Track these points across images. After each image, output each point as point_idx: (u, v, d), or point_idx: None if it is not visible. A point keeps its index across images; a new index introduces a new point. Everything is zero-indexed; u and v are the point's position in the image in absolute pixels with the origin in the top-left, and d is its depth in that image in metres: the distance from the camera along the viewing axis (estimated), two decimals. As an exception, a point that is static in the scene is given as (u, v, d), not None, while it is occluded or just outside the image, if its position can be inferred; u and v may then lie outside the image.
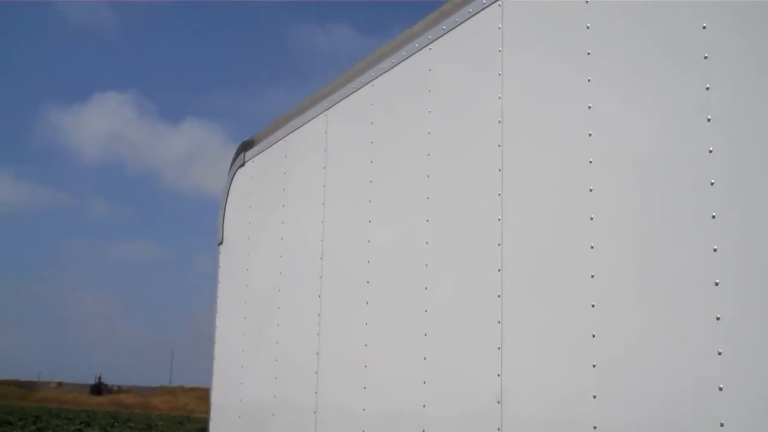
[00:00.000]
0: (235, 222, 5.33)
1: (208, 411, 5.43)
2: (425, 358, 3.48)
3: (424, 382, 3.46)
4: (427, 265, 3.55)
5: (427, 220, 3.58)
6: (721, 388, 2.36)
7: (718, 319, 2.40)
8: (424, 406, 3.45)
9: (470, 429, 3.23)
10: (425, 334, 3.50)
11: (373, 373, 3.80)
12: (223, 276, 5.36)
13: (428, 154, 3.62)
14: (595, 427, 2.69)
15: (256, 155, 5.11)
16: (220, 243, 5.43)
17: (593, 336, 2.75)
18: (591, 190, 2.83)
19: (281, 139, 4.81)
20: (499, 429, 3.07)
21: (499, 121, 3.27)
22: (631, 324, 2.65)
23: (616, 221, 2.74)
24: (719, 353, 2.38)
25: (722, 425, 2.34)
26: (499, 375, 3.10)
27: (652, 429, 2.53)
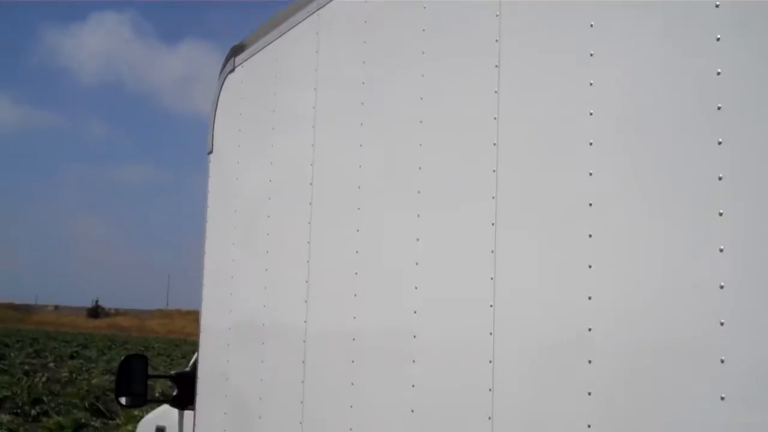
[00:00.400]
0: (225, 130, 5.19)
1: (198, 324, 5.38)
2: (417, 264, 3.40)
3: (416, 288, 3.38)
4: (420, 168, 3.44)
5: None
6: (722, 286, 2.27)
7: (720, 214, 2.30)
8: (415, 312, 3.37)
9: (462, 333, 3.15)
10: (417, 239, 3.41)
11: (364, 280, 3.72)
12: (213, 185, 5.24)
13: (423, 52, 3.48)
14: (590, 329, 2.61)
15: (247, 60, 4.94)
16: (210, 152, 5.30)
17: (590, 236, 2.65)
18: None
19: (272, 41, 4.64)
20: (491, 333, 2.99)
21: (497, 14, 3.12)
22: (628, 224, 2.55)
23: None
24: (721, 249, 2.28)
25: (722, 324, 2.26)
26: (492, 278, 3.01)
27: (648, 326, 2.45)
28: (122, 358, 6.13)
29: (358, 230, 3.79)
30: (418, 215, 3.43)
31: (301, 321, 4.13)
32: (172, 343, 48.66)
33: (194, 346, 6.26)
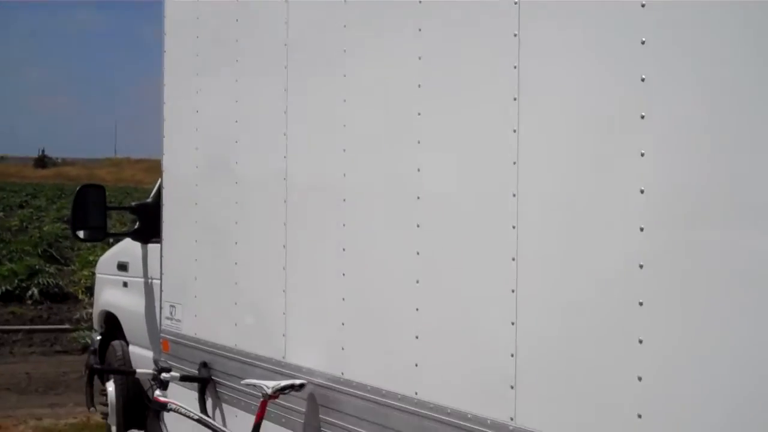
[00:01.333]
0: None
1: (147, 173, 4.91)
2: (420, 114, 2.95)
3: (419, 142, 2.95)
4: (420, 2, 2.96)
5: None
6: None
7: None
8: (419, 170, 2.95)
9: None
10: (419, 86, 2.95)
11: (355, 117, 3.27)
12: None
13: None
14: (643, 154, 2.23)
15: None
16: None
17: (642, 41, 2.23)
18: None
19: None
20: (515, 163, 2.57)
21: None
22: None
23: None
24: None
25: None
26: (515, 99, 2.57)
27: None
28: (78, 188, 5.67)
29: (345, 76, 3.30)
30: (420, 57, 2.95)
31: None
32: (123, 192, 48.09)
33: (146, 195, 5.81)
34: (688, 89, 2.13)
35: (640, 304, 2.20)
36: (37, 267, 17.48)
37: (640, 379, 2.20)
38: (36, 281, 16.39)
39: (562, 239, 2.43)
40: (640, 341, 2.20)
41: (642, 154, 2.20)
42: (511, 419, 2.57)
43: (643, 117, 2.20)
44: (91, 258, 17.43)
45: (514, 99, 2.58)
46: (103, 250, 8.49)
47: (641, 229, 2.20)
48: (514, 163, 2.57)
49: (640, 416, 2.20)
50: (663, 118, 2.17)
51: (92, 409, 6.22)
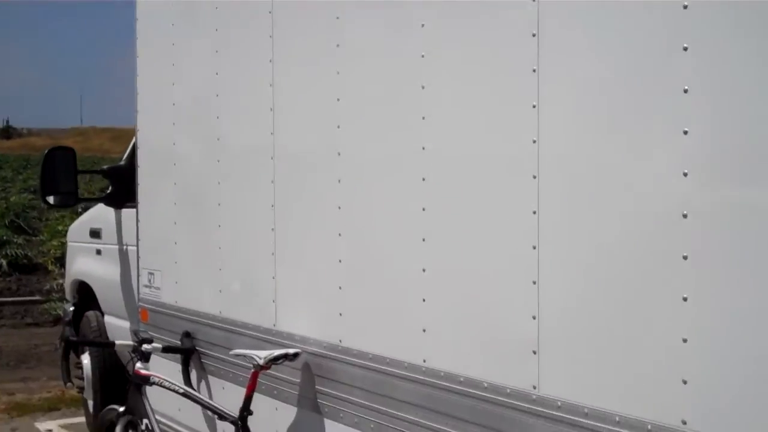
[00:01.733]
0: None
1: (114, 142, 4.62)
2: (423, 55, 2.69)
3: (423, 87, 2.69)
4: None
5: None
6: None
7: None
8: (423, 118, 2.69)
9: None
10: (423, 24, 2.69)
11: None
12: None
13: None
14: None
15: None
16: None
17: None
18: None
19: None
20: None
21: None
22: None
23: None
24: None
25: None
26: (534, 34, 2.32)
27: None
28: (45, 152, 5.35)
29: (337, 18, 3.03)
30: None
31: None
32: (90, 161, 47.37)
33: (113, 163, 5.55)
34: (738, 16, 1.89)
35: (684, 257, 1.97)
36: (4, 238, 17.08)
37: (685, 341, 1.98)
38: (4, 252, 16.04)
39: (591, 187, 2.19)
40: (685, 299, 1.97)
41: (685, 91, 1.96)
42: (534, 387, 2.35)
43: (686, 49, 1.96)
44: (60, 228, 17.04)
45: (533, 35, 2.32)
46: (72, 220, 8.16)
47: (685, 174, 1.96)
48: (534, 106, 2.32)
49: (685, 382, 1.98)
50: (708, 50, 1.93)
51: (69, 384, 5.95)
